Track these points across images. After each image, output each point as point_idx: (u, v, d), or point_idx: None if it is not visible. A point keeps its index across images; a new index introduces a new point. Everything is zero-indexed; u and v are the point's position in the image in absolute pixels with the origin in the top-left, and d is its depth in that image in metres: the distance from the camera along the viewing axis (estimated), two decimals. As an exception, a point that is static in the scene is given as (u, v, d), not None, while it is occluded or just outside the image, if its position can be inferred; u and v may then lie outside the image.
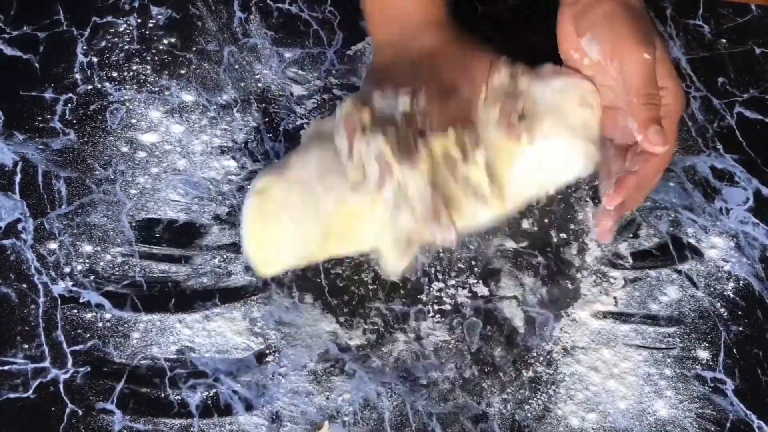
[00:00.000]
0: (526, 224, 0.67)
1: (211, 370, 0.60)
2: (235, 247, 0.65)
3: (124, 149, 0.69)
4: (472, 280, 0.65)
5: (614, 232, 0.60)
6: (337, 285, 0.64)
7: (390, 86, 0.59)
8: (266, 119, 0.71)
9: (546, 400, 0.60)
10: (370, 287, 0.64)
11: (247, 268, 0.64)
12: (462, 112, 0.59)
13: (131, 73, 0.73)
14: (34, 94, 0.71)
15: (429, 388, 0.61)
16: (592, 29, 0.60)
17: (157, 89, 0.72)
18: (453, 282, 0.65)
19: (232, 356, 0.61)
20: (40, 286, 0.62)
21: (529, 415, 0.60)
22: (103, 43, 0.74)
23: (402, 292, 0.64)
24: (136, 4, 0.76)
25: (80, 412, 0.58)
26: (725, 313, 0.65)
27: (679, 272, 0.66)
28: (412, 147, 0.56)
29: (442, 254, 0.65)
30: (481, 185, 0.58)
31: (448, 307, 0.64)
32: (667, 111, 0.58)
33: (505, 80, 0.61)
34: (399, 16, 0.64)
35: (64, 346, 0.60)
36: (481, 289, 0.65)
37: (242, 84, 0.73)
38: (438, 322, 0.63)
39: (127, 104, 0.71)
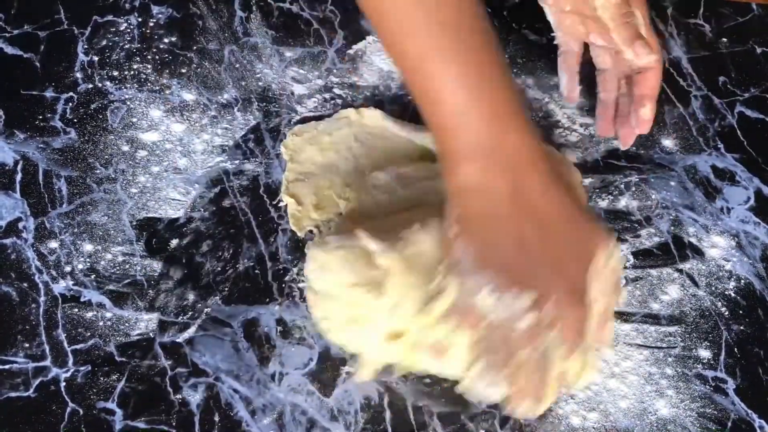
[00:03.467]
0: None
1: (212, 369, 0.60)
2: (236, 246, 0.65)
3: (125, 148, 0.69)
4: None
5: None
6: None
7: (503, 278, 0.47)
8: (267, 118, 0.71)
9: (547, 399, 0.60)
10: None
11: (247, 270, 0.64)
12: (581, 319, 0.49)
13: (132, 72, 0.72)
14: (34, 92, 0.71)
15: (430, 386, 0.61)
16: None
17: (157, 88, 0.72)
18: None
19: (233, 355, 0.60)
20: (40, 285, 0.62)
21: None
22: (104, 42, 0.74)
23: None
24: (137, 3, 0.76)
25: (81, 411, 0.58)
26: (726, 313, 0.65)
27: (680, 271, 0.66)
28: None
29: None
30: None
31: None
32: (640, 23, 0.65)
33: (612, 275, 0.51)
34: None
35: (65, 345, 0.60)
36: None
37: (243, 83, 0.73)
38: (439, 321, 0.63)
39: (128, 103, 0.71)
